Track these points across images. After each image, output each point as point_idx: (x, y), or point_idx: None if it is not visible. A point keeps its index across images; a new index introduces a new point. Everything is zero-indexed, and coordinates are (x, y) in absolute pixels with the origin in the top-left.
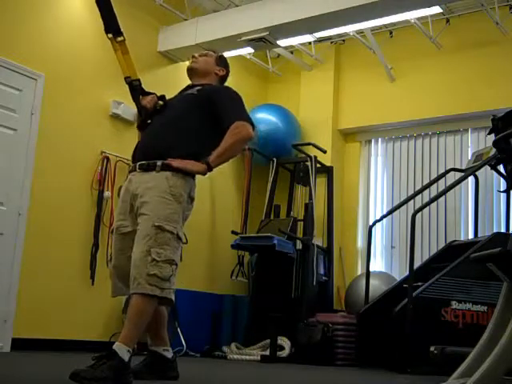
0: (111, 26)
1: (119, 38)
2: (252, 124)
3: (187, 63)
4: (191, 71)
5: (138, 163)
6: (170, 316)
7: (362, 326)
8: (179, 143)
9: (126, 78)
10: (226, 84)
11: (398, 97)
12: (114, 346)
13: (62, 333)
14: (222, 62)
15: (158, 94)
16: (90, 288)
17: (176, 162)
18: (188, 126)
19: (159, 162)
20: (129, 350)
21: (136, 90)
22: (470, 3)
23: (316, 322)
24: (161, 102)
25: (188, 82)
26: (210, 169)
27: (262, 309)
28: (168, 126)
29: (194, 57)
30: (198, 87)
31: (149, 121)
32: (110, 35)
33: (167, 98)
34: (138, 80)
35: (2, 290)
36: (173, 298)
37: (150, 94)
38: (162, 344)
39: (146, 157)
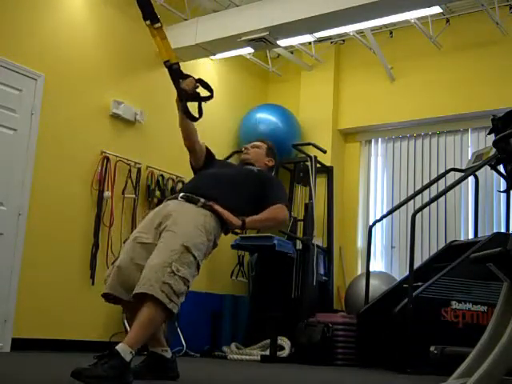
0: (148, 13)
1: (156, 25)
2: (288, 208)
3: (187, 63)
4: (244, 161)
5: (182, 194)
6: None
7: (362, 326)
8: (227, 199)
9: (165, 62)
10: (227, 84)
11: (397, 97)
12: (118, 347)
13: (62, 333)
14: (271, 154)
15: (196, 77)
16: (90, 288)
17: (217, 206)
18: (240, 192)
19: (202, 200)
20: (131, 352)
21: (176, 72)
22: (470, 3)
23: (316, 322)
24: (198, 85)
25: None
26: (243, 226)
27: (262, 309)
28: (225, 183)
29: (246, 148)
30: (258, 168)
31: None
32: (148, 22)
33: (168, 98)
34: (177, 63)
35: (2, 290)
36: (175, 314)
37: (188, 76)
38: (158, 345)
39: (193, 193)
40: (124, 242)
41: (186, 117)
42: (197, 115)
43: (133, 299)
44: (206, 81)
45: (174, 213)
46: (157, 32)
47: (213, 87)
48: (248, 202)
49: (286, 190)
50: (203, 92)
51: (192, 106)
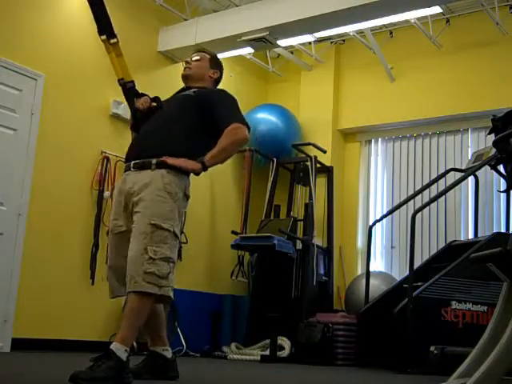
0: (104, 28)
1: (112, 40)
2: (248, 126)
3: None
4: (185, 78)
5: (133, 162)
6: (169, 316)
7: (362, 325)
8: (174, 143)
9: (119, 80)
10: (229, 85)
11: (397, 97)
12: (112, 346)
13: (62, 333)
14: (215, 64)
15: (152, 96)
16: (89, 288)
17: (171, 160)
18: (183, 126)
19: (154, 160)
20: (126, 350)
21: (130, 91)
22: (470, 3)
23: (316, 322)
24: (154, 104)
25: None
26: (204, 168)
27: (262, 309)
28: (163, 126)
29: (187, 62)
30: (195, 89)
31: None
32: (104, 37)
33: (167, 97)
34: (132, 82)
35: (2, 290)
36: (171, 295)
37: (143, 95)
38: (161, 344)
39: (141, 156)
40: (107, 234)
41: (135, 132)
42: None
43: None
44: (160, 100)
45: (134, 189)
46: (112, 48)
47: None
48: (199, 133)
49: (286, 190)
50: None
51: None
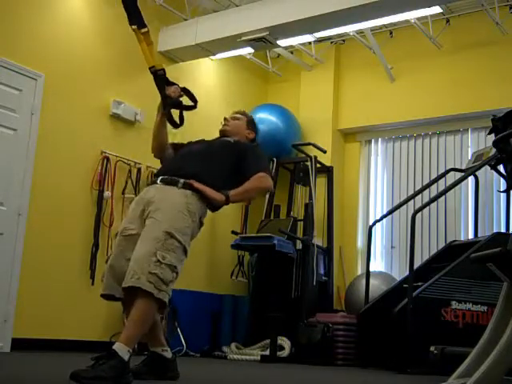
0: (134, 18)
1: (143, 30)
2: (272, 178)
3: (187, 63)
4: (223, 132)
5: (161, 177)
6: (169, 316)
7: (362, 325)
8: (206, 174)
9: (150, 68)
10: (227, 84)
11: (398, 97)
12: (115, 346)
13: (62, 333)
14: (252, 126)
15: (181, 86)
16: (89, 288)
17: (198, 184)
18: (217, 163)
19: (182, 180)
20: (129, 350)
21: (161, 79)
22: (470, 3)
23: (316, 322)
24: (182, 93)
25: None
26: (227, 202)
27: (262, 309)
28: (200, 157)
29: (226, 119)
30: (235, 138)
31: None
32: (134, 27)
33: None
34: (163, 69)
35: (2, 290)
36: (167, 302)
37: (173, 84)
38: (159, 345)
39: (171, 174)
40: (115, 236)
41: (169, 123)
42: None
43: (123, 294)
44: (190, 90)
45: (155, 198)
46: (143, 37)
47: (213, 87)
48: (228, 174)
49: (286, 190)
50: (186, 101)
51: (174, 113)
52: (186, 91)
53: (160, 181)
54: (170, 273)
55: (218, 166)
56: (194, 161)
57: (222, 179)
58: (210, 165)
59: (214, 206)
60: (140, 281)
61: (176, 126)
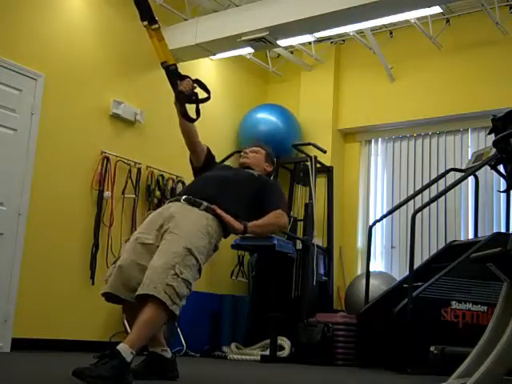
0: (146, 14)
1: (154, 26)
2: (289, 217)
3: (187, 63)
4: (243, 165)
5: (184, 196)
6: None
7: (362, 326)
8: (228, 201)
9: (162, 63)
10: (227, 84)
11: (397, 97)
12: (119, 347)
13: (62, 333)
14: (270, 160)
15: (194, 78)
16: (90, 288)
17: (220, 210)
18: (241, 193)
19: (205, 203)
20: (132, 352)
21: (173, 74)
22: (470, 3)
23: (316, 322)
24: (195, 85)
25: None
26: (245, 231)
27: (262, 309)
28: (226, 185)
29: (245, 152)
30: (258, 172)
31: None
32: (146, 23)
33: (166, 97)
34: (175, 65)
35: (2, 290)
36: (177, 315)
37: (186, 77)
38: (159, 345)
39: (195, 195)
40: (125, 242)
41: (184, 118)
42: (194, 116)
43: (135, 300)
44: (203, 81)
45: (176, 215)
46: (154, 33)
47: (213, 87)
48: (249, 205)
49: (286, 190)
50: (200, 92)
51: (189, 106)
52: (198, 83)
53: (183, 199)
54: (185, 288)
55: (241, 197)
56: (219, 187)
57: (243, 209)
58: (233, 193)
59: (228, 233)
60: (157, 290)
61: (192, 120)
